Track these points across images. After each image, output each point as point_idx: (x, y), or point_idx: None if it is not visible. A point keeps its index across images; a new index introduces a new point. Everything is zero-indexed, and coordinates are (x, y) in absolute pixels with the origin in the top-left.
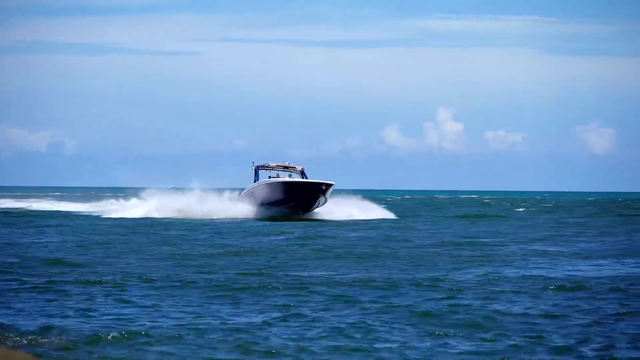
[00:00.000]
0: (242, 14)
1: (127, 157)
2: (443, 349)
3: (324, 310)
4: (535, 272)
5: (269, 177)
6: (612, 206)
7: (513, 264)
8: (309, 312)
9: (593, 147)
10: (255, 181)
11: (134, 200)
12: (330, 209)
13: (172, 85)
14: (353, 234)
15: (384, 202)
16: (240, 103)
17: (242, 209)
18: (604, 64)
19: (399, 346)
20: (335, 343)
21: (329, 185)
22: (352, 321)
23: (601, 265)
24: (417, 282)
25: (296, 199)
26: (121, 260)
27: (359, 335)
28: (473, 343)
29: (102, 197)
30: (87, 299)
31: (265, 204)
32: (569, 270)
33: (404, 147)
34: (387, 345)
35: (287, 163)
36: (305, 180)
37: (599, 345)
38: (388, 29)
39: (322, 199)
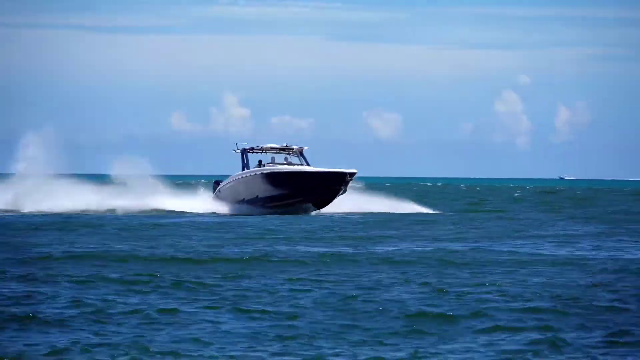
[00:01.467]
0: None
1: None
2: None
3: None
4: None
5: (259, 163)
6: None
7: None
8: None
9: (378, 132)
10: (243, 167)
11: None
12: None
13: None
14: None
15: None
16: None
17: None
18: (388, 50)
19: None
20: None
21: (352, 175)
22: None
23: None
24: None
25: (312, 193)
26: None
27: None
28: None
29: None
30: None
31: (262, 199)
32: None
33: (190, 132)
34: None
35: (284, 144)
36: (325, 170)
37: None
38: (176, 16)
39: (342, 192)
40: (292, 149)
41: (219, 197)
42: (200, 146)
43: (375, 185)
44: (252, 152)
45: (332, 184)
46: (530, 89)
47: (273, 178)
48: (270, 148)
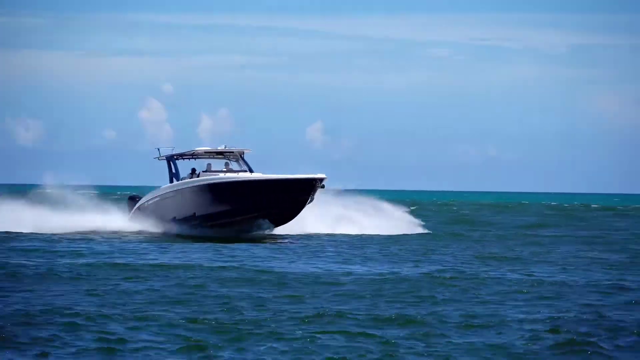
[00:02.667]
0: None
1: None
2: None
3: None
4: None
5: (194, 170)
6: None
7: None
8: None
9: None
10: (172, 178)
11: None
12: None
13: None
14: None
15: None
16: None
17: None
18: (33, 56)
19: None
20: None
21: (322, 180)
22: None
23: None
24: None
25: (269, 206)
26: None
27: None
28: None
29: None
30: None
31: (201, 217)
32: None
33: None
34: None
35: (223, 146)
36: (287, 177)
37: None
38: None
39: (309, 201)
40: (232, 152)
41: (138, 216)
42: None
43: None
44: (181, 159)
45: (297, 194)
46: (173, 97)
47: (216, 191)
48: (205, 152)
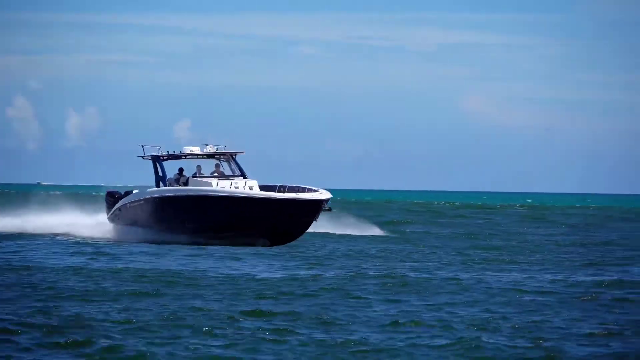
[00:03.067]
0: None
1: None
2: None
3: None
4: None
5: (180, 172)
6: None
7: None
8: None
9: None
10: (158, 182)
11: None
12: None
13: None
14: None
15: None
16: None
17: None
18: None
19: None
20: None
21: (327, 201)
22: None
23: None
24: None
25: (270, 225)
26: None
27: None
28: None
29: None
30: None
31: (192, 229)
32: None
33: None
34: None
35: (212, 148)
36: (293, 197)
37: None
38: None
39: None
40: (223, 154)
41: (118, 217)
42: None
43: None
44: (168, 160)
45: (303, 215)
46: (41, 94)
47: (210, 204)
48: (194, 154)
